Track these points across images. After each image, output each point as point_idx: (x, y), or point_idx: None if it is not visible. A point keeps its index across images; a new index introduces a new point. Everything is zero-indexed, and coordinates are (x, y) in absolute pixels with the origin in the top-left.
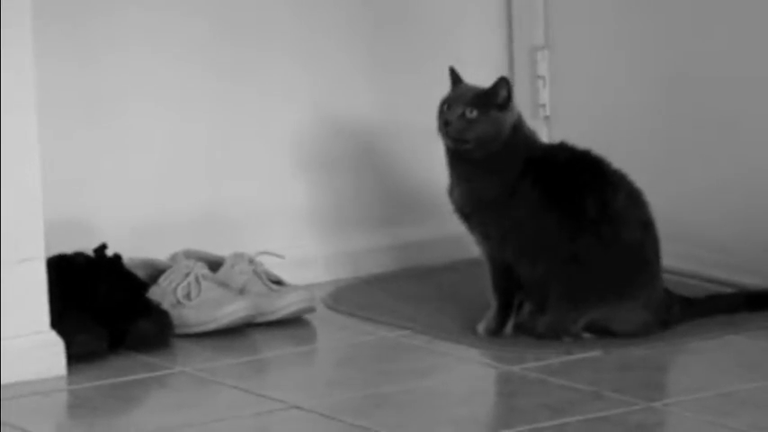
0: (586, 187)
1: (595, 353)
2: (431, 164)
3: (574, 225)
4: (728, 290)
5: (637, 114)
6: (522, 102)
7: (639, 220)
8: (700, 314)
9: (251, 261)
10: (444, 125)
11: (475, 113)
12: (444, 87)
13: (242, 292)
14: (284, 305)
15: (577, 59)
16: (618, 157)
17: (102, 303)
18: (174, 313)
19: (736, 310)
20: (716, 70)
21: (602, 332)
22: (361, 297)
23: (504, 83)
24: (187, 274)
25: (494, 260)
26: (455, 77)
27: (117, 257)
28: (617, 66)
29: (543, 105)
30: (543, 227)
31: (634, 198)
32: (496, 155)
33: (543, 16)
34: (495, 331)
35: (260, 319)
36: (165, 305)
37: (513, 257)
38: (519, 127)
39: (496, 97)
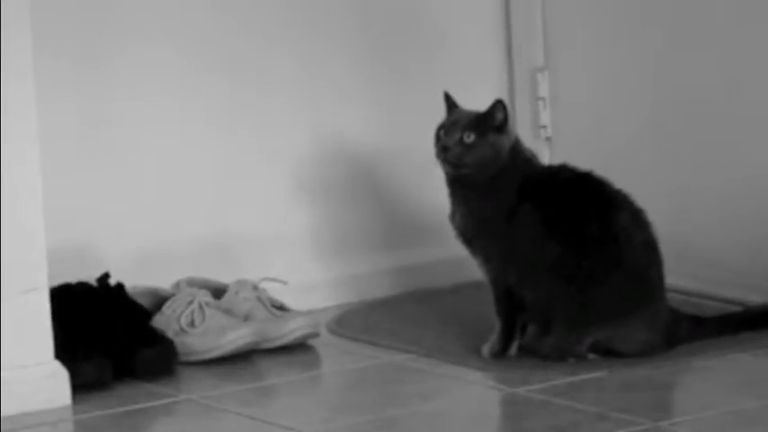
0: (589, 208)
1: (600, 373)
2: (433, 187)
3: (576, 246)
4: (735, 309)
5: (638, 135)
6: (523, 123)
7: (642, 240)
8: (709, 334)
9: (254, 287)
10: (442, 151)
11: (472, 137)
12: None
13: (246, 318)
14: (288, 331)
15: (578, 80)
16: (620, 178)
17: (106, 332)
18: (179, 341)
19: (746, 329)
20: (717, 90)
21: (607, 352)
22: (364, 321)
23: (500, 105)
24: (191, 302)
25: (496, 283)
26: (450, 102)
27: (120, 286)
28: (618, 86)
29: (544, 127)
30: (545, 249)
31: (637, 218)
32: (495, 178)
33: (543, 37)
34: (500, 353)
35: (264, 346)
36: (170, 333)
37: (515, 280)
38: (516, 149)
39: (493, 120)
